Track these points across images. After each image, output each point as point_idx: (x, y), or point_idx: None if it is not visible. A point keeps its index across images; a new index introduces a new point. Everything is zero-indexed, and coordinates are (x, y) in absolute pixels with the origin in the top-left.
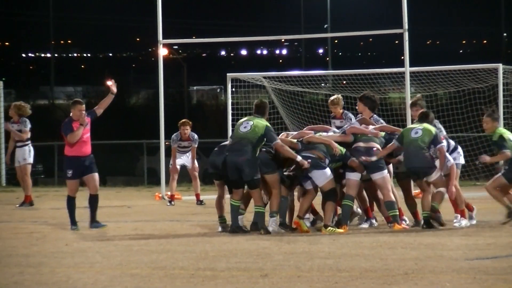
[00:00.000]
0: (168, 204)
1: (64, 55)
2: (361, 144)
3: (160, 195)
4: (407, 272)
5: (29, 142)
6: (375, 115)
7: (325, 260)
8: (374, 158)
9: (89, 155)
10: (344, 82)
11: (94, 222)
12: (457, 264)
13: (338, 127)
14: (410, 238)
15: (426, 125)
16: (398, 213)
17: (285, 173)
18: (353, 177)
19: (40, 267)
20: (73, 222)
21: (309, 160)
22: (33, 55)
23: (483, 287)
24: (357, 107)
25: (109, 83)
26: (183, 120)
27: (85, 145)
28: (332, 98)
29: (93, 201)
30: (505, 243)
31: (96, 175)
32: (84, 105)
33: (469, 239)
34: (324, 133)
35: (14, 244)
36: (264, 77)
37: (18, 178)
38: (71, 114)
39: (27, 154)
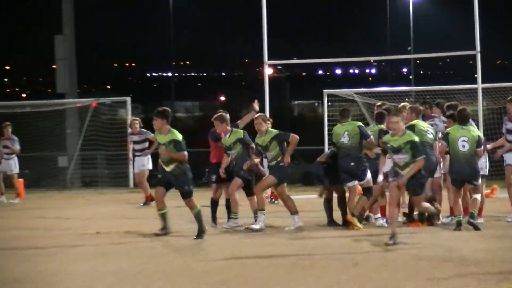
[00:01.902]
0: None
1: (183, 74)
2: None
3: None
4: (479, 260)
5: (148, 150)
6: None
7: (407, 251)
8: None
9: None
10: (428, 97)
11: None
12: None
13: None
14: (482, 231)
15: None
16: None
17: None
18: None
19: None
20: (213, 220)
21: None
22: (156, 75)
23: None
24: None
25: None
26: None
27: None
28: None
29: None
30: None
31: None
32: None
33: None
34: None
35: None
36: (356, 93)
37: (136, 183)
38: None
39: (146, 161)
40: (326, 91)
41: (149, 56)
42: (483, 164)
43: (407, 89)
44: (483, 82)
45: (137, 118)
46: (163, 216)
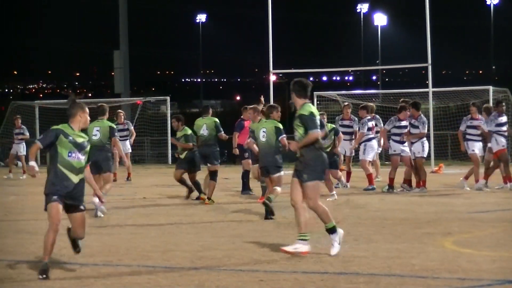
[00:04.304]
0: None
1: (209, 79)
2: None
3: None
4: (429, 220)
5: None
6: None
7: (376, 213)
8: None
9: None
10: (391, 97)
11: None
12: (462, 215)
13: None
14: (431, 198)
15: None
16: None
17: None
18: None
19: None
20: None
21: None
22: (188, 80)
23: (479, 230)
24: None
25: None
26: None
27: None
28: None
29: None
30: (493, 201)
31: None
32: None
33: (471, 199)
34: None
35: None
36: (338, 94)
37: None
38: (242, 116)
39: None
40: (315, 93)
41: (183, 66)
42: (420, 148)
43: (376, 92)
44: (432, 87)
45: (122, 111)
46: None
